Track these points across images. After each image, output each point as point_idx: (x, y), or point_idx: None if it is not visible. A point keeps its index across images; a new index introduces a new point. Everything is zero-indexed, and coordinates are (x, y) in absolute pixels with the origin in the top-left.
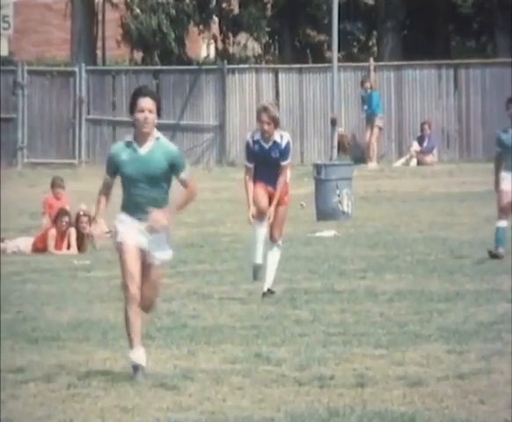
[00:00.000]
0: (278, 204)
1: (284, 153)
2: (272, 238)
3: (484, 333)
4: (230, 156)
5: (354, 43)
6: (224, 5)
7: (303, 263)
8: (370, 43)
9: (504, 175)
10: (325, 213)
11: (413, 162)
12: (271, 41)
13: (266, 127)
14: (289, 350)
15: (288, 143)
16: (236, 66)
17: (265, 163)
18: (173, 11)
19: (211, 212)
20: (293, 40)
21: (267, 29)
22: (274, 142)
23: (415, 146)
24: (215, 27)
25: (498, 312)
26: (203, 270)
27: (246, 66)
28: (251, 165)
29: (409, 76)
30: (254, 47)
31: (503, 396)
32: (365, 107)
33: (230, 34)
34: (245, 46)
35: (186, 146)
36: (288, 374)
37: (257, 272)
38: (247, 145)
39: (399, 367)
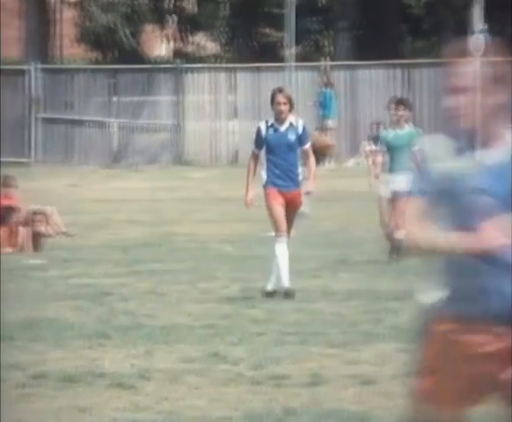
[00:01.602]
0: (292, 205)
1: (304, 136)
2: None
3: None
4: (186, 156)
5: (310, 43)
6: (181, 4)
7: (259, 262)
8: (326, 43)
9: (386, 177)
10: None
11: (366, 161)
12: (228, 40)
13: (282, 107)
14: (246, 349)
15: (304, 126)
16: (193, 65)
17: (280, 149)
18: (128, 10)
19: (167, 211)
20: (250, 39)
21: (225, 28)
22: (290, 124)
23: (365, 145)
24: (172, 26)
25: None
26: (160, 269)
27: (203, 65)
28: (257, 151)
29: (363, 75)
30: (212, 47)
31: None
32: (320, 106)
33: (188, 33)
34: (199, 45)
35: (143, 145)
36: (245, 373)
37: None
38: (258, 130)
39: (353, 365)
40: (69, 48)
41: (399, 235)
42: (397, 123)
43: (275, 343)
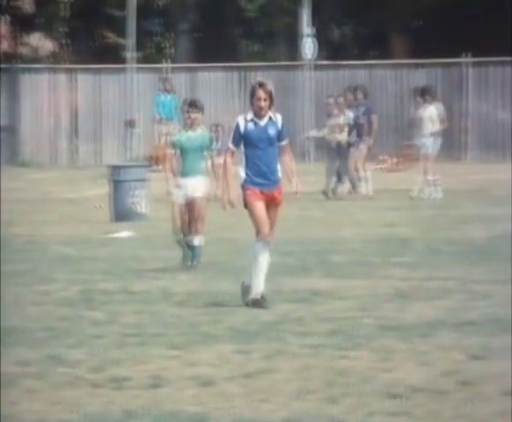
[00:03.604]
0: (273, 205)
1: (282, 131)
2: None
3: (267, 333)
4: (22, 157)
5: (151, 44)
6: (16, 4)
7: (100, 264)
8: (167, 45)
9: (182, 182)
10: (122, 214)
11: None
12: (68, 41)
13: (263, 103)
14: (85, 351)
15: (282, 121)
16: (29, 66)
17: (259, 144)
18: None
19: (4, 212)
20: (90, 40)
21: (64, 29)
22: (270, 119)
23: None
24: (5, 26)
25: (279, 312)
26: None
27: (41, 66)
28: (234, 148)
29: (202, 78)
30: (50, 47)
31: (283, 394)
32: (158, 109)
33: (23, 33)
34: (36, 45)
35: None
36: (84, 375)
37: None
38: (237, 126)
39: (192, 367)
40: None
41: (197, 241)
42: (190, 125)
43: (115, 345)
